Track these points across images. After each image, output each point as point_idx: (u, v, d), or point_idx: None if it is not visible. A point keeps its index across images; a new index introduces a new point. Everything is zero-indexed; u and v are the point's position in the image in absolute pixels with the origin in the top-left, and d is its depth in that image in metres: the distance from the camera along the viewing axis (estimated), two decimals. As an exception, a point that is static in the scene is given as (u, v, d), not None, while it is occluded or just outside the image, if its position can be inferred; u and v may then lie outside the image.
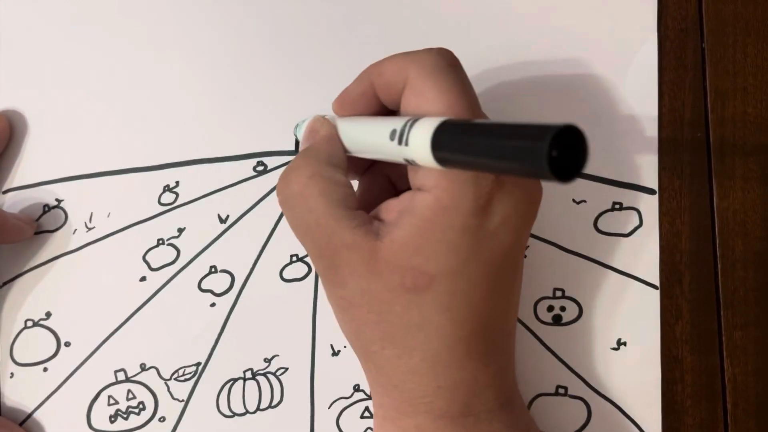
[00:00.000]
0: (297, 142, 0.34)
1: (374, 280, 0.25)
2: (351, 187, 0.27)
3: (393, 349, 0.26)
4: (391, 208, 0.26)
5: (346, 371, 0.33)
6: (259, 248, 0.34)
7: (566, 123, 0.18)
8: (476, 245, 0.25)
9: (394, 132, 0.24)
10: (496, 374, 0.27)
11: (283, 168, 0.29)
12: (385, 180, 0.30)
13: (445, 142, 0.22)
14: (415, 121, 0.23)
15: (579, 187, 0.33)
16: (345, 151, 0.28)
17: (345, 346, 0.33)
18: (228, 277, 0.34)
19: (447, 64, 0.26)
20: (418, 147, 0.23)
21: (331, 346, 0.33)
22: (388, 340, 0.26)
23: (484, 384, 0.26)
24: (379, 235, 0.25)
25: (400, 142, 0.24)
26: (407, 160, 0.24)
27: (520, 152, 0.19)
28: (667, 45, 0.34)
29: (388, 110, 0.28)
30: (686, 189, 0.33)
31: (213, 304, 0.33)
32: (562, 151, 0.18)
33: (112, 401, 0.33)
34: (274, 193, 0.34)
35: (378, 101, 0.28)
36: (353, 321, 0.26)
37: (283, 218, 0.34)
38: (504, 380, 0.27)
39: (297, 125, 0.32)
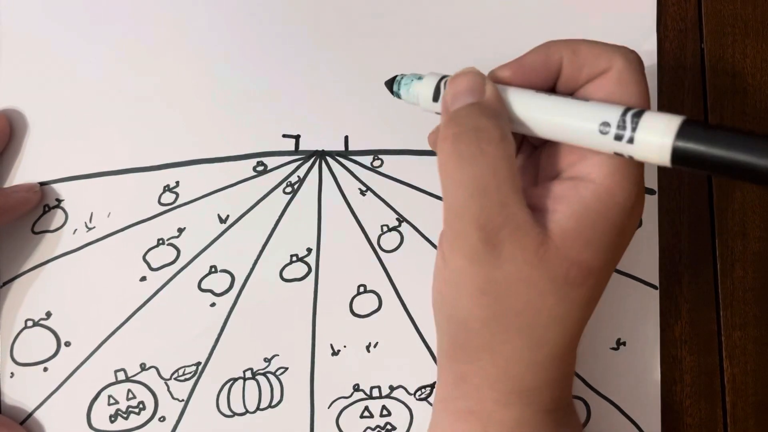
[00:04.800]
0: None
1: (538, 269, 0.24)
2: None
3: (525, 341, 0.25)
4: (542, 195, 0.25)
5: (345, 371, 0.33)
6: (259, 248, 0.34)
7: None
8: (622, 245, 0.25)
9: (607, 124, 0.23)
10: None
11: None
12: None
13: (690, 142, 0.22)
14: (635, 114, 0.23)
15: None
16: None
17: (345, 346, 0.33)
18: (228, 277, 0.34)
19: (644, 67, 0.26)
20: (652, 143, 0.22)
21: (331, 345, 0.33)
22: (525, 331, 0.24)
23: (570, 378, 0.27)
24: (541, 223, 0.24)
25: (619, 138, 0.23)
26: (617, 153, 0.23)
27: None
28: (667, 45, 0.34)
29: (551, 88, 0.27)
30: (686, 189, 0.33)
31: (213, 304, 0.33)
32: None
33: (112, 401, 0.33)
34: (274, 192, 0.34)
35: (553, 77, 0.26)
36: (490, 308, 0.24)
37: (283, 218, 0.34)
38: None
39: (400, 79, 0.29)
